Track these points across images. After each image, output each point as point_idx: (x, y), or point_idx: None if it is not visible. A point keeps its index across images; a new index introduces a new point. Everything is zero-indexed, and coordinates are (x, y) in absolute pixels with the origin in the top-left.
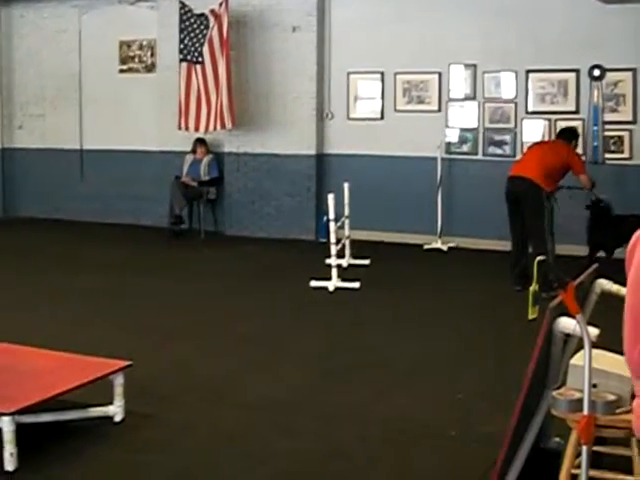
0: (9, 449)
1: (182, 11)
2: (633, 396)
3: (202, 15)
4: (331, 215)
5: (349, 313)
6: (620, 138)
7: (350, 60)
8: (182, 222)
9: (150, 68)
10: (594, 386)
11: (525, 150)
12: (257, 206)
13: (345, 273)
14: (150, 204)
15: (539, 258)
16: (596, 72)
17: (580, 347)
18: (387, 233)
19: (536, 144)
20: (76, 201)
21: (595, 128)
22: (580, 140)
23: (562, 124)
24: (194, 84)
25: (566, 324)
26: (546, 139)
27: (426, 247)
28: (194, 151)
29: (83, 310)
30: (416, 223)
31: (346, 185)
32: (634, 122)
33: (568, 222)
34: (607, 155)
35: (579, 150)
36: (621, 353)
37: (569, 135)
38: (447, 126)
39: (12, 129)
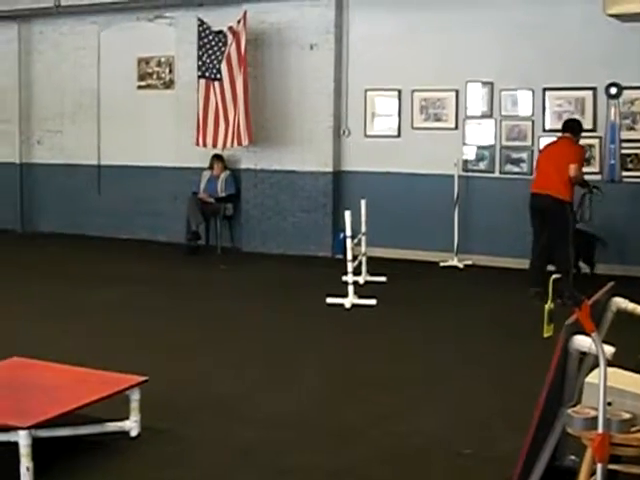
0: (25, 463)
1: (200, 28)
2: None
3: (220, 32)
4: (348, 232)
5: (365, 330)
6: (637, 156)
7: (367, 77)
8: (199, 238)
9: (168, 85)
10: (609, 404)
11: (538, 156)
12: (274, 222)
13: (361, 290)
14: (167, 220)
15: (555, 276)
16: (613, 90)
17: (595, 365)
18: (404, 250)
19: (546, 150)
20: (93, 216)
21: (612, 146)
22: (597, 158)
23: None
24: (212, 101)
25: (581, 342)
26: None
27: (442, 264)
28: (211, 167)
29: (100, 325)
30: (433, 240)
31: (363, 202)
32: None
33: None
34: (624, 173)
35: (595, 169)
36: (636, 371)
37: (573, 129)
38: (464, 143)
39: (31, 144)
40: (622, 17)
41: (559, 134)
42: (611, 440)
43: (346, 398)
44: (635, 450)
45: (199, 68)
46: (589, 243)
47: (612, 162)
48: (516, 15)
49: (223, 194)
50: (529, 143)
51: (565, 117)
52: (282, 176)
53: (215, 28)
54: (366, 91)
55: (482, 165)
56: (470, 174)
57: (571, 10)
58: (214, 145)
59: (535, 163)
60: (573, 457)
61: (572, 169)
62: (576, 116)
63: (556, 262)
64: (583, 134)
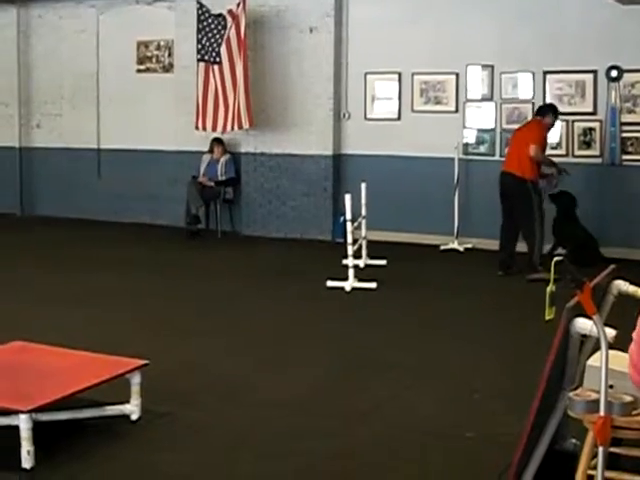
0: (26, 447)
1: (200, 11)
2: None
3: (220, 15)
4: (348, 215)
5: (366, 313)
6: (638, 139)
7: (367, 60)
8: (199, 222)
9: (168, 68)
10: (611, 387)
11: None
12: (274, 206)
13: (362, 273)
14: (167, 204)
15: (556, 259)
16: (613, 73)
17: (597, 348)
18: (404, 233)
19: (515, 131)
20: (93, 200)
21: (612, 129)
22: (597, 141)
23: (579, 125)
24: (211, 84)
25: (583, 325)
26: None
27: (442, 248)
28: (211, 151)
29: (100, 309)
30: (433, 224)
31: (363, 185)
32: None
33: None
34: (624, 156)
35: (596, 152)
36: None
37: (540, 111)
38: (464, 127)
39: (30, 128)
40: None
41: (560, 117)
42: (612, 423)
43: (346, 381)
44: (636, 433)
45: (198, 52)
46: (585, 246)
47: (612, 145)
48: None
49: (223, 178)
50: None
51: (565, 100)
52: (282, 159)
53: (215, 11)
54: (366, 74)
55: (482, 148)
56: (470, 157)
57: None
58: (214, 129)
59: None
60: (574, 440)
61: (532, 149)
62: (577, 99)
63: (523, 237)
64: (583, 117)
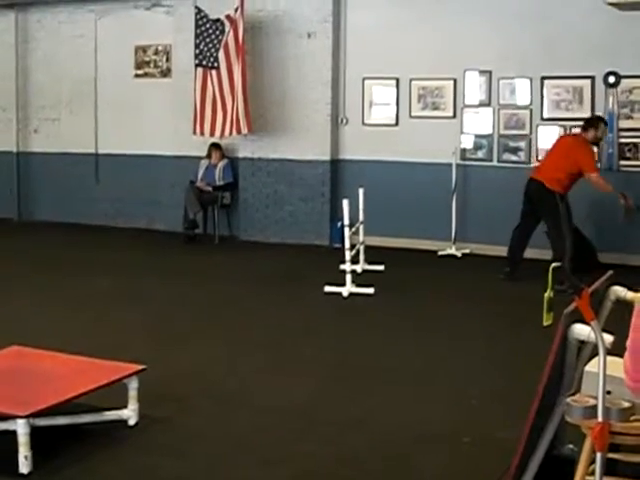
0: (24, 452)
1: (198, 16)
2: None
3: (218, 20)
4: (346, 221)
5: (363, 319)
6: (635, 145)
7: (365, 66)
8: (196, 227)
9: (165, 73)
10: (608, 393)
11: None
12: (271, 211)
13: (359, 279)
14: (165, 209)
15: (554, 264)
16: (611, 79)
17: (595, 354)
18: (401, 239)
19: (557, 141)
20: (91, 205)
21: (610, 135)
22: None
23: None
24: (209, 89)
25: (581, 331)
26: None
27: (440, 253)
28: (209, 156)
29: (97, 314)
30: (430, 229)
31: (361, 191)
32: None
33: None
34: (622, 162)
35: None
36: None
37: (586, 125)
38: (462, 132)
39: (28, 133)
40: (621, 5)
41: (559, 123)
42: (610, 429)
43: (344, 387)
44: (634, 439)
45: (196, 56)
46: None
47: (610, 151)
48: (515, 3)
49: (221, 183)
50: (527, 132)
51: (563, 106)
52: (280, 165)
53: (213, 16)
54: (364, 80)
55: (480, 154)
56: (468, 163)
57: None
58: (212, 134)
59: (534, 153)
60: (572, 446)
61: (593, 180)
62: (574, 105)
63: (552, 250)
64: (581, 123)
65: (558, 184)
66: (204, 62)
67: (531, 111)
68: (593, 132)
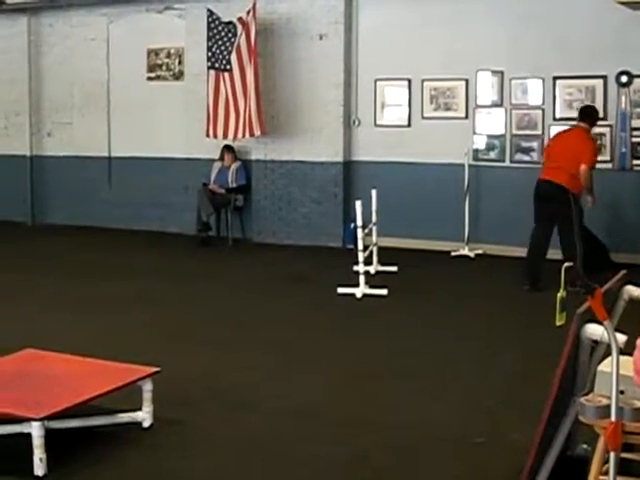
0: (38, 454)
1: (210, 19)
2: None
3: (230, 23)
4: (359, 222)
5: (376, 320)
6: None
7: (377, 67)
8: (209, 229)
9: (178, 76)
10: (622, 392)
11: (549, 143)
12: (284, 213)
13: (373, 280)
14: (178, 211)
15: (566, 264)
16: (624, 78)
17: (608, 354)
18: (414, 240)
19: (560, 140)
20: (104, 208)
21: (623, 134)
22: (608, 146)
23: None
24: (222, 92)
25: (594, 331)
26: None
27: (453, 254)
28: (222, 158)
29: (111, 316)
30: (443, 230)
31: (374, 192)
32: None
33: None
34: (635, 161)
35: (606, 157)
36: None
37: (586, 118)
38: (474, 133)
39: (41, 136)
40: (633, 5)
41: (570, 123)
42: (623, 428)
43: (357, 388)
44: None
45: (209, 59)
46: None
47: (623, 151)
48: (526, 3)
49: (234, 185)
50: (539, 132)
51: (576, 106)
52: (292, 166)
53: (225, 19)
54: (376, 81)
55: (492, 154)
56: (480, 163)
57: None
58: (225, 136)
59: (544, 151)
60: (585, 446)
61: (583, 170)
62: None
63: (563, 249)
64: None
65: (572, 185)
66: (216, 65)
67: (543, 111)
68: (591, 120)
